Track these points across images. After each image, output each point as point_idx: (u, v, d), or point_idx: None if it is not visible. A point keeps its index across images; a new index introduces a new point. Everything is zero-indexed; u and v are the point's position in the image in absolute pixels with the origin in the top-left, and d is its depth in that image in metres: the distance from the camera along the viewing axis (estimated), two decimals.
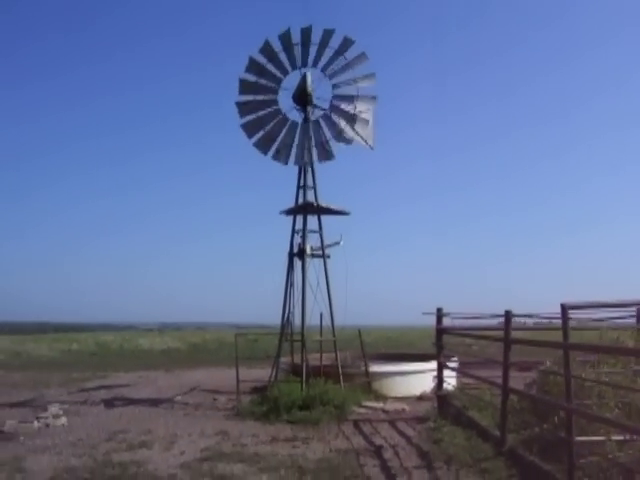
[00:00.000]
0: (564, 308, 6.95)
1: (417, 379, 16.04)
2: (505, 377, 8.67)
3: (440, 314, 12.75)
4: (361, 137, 15.58)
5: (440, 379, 12.80)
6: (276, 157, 15.69)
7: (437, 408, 12.57)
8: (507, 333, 8.58)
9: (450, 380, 16.64)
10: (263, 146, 15.81)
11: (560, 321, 8.17)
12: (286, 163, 15.59)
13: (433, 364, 16.59)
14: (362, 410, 13.51)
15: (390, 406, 13.94)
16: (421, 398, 15.33)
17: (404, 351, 25.10)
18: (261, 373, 19.87)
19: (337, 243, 15.83)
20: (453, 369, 13.79)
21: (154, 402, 15.25)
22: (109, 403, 15.30)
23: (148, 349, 36.92)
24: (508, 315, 8.53)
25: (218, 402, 15.29)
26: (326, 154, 15.35)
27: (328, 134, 15.44)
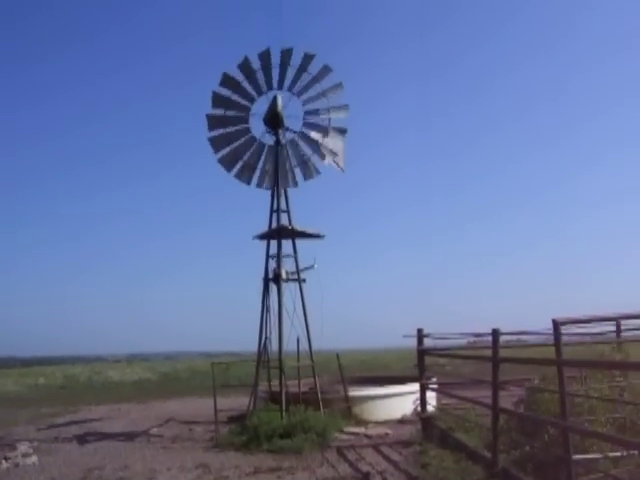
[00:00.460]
0: (556, 324, 6.83)
1: (397, 402, 15.82)
2: (495, 397, 8.51)
3: (421, 335, 12.59)
4: (335, 162, 15.50)
5: (423, 401, 12.59)
6: (259, 184, 15.61)
7: (421, 431, 12.32)
8: (495, 352, 8.43)
9: (431, 401, 16.48)
10: (244, 176, 15.73)
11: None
12: (268, 188, 15.49)
13: (413, 386, 16.44)
14: (344, 436, 13.22)
15: (372, 431, 13.68)
16: (402, 421, 15.09)
17: (380, 374, 24.87)
18: (236, 402, 19.44)
19: (312, 266, 15.65)
20: (435, 390, 13.53)
21: (129, 436, 14.75)
22: (82, 439, 14.74)
23: (118, 381, 36.05)
24: (495, 334, 8.40)
25: (195, 433, 14.85)
26: (310, 171, 15.30)
27: (308, 151, 15.42)
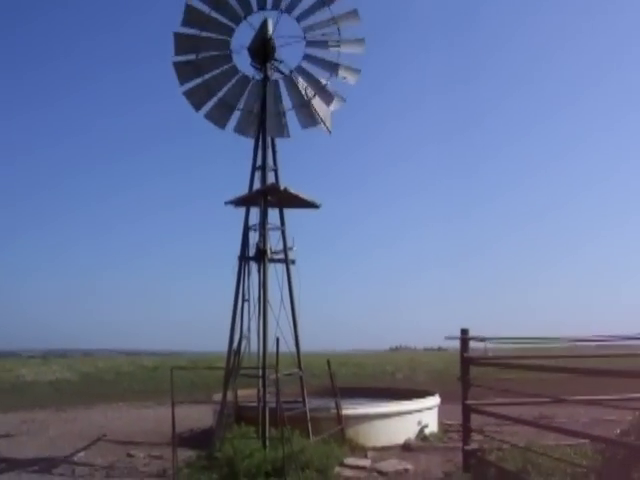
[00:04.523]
0: None
1: (400, 423, 12.52)
2: None
3: (466, 337, 9.20)
4: (322, 120, 12.03)
5: (466, 428, 9.17)
6: (239, 130, 11.89)
7: (464, 469, 8.90)
8: None
9: (431, 422, 13.33)
10: (218, 117, 11.99)
11: None
12: (253, 136, 11.82)
13: (416, 403, 13.22)
14: (348, 471, 9.71)
15: (383, 464, 10.13)
16: (408, 448, 11.79)
17: (359, 385, 21.32)
18: (179, 413, 15.64)
19: (290, 249, 12.15)
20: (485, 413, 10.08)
21: (46, 465, 10.66)
22: None
23: (33, 380, 31.20)
24: None
25: (137, 460, 11.08)
26: (310, 118, 11.70)
27: (309, 92, 11.78)
